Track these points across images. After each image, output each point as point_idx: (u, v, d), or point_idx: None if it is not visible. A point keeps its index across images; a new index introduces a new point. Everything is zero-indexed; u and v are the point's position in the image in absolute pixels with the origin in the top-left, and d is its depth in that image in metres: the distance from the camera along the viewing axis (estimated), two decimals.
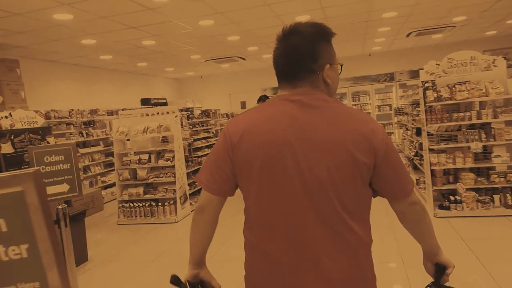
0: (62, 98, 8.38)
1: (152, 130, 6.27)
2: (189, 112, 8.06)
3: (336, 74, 1.28)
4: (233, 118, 1.32)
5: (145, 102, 11.22)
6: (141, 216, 6.20)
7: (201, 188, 1.36)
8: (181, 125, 6.85)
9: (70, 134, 7.83)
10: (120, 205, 6.35)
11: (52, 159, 2.81)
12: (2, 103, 5.10)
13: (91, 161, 8.29)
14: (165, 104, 11.77)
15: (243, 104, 12.91)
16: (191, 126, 7.71)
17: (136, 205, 6.24)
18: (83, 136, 8.12)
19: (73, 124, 7.98)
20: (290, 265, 1.19)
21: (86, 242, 4.74)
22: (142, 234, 5.68)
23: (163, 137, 6.50)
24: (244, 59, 10.52)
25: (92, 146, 8.41)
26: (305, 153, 1.16)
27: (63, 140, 7.51)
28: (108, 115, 8.88)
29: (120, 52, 8.10)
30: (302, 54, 1.20)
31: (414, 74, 11.37)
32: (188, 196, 6.59)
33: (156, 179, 6.25)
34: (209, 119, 8.77)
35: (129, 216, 6.26)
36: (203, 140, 8.00)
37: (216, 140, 1.32)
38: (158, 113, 6.45)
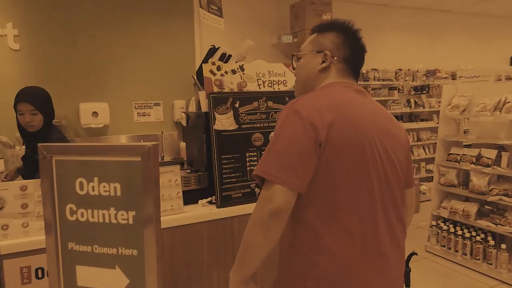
0: (388, 55, 6.23)
1: (510, 108, 3.33)
2: None
3: None
4: (300, 101, 1.10)
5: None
6: (463, 254, 3.65)
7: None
8: None
9: (393, 102, 5.91)
10: (434, 222, 4.05)
11: (93, 189, 0.98)
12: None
13: (415, 141, 6.15)
14: None
15: None
16: None
17: (459, 231, 3.72)
18: (410, 106, 6.04)
19: (398, 89, 5.96)
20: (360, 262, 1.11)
21: None
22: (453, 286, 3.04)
23: None
24: None
25: (421, 120, 6.19)
26: (383, 146, 1.14)
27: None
28: (452, 78, 6.18)
29: None
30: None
31: None
32: None
33: (503, 198, 3.40)
34: None
35: (443, 246, 3.87)
36: None
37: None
38: None
